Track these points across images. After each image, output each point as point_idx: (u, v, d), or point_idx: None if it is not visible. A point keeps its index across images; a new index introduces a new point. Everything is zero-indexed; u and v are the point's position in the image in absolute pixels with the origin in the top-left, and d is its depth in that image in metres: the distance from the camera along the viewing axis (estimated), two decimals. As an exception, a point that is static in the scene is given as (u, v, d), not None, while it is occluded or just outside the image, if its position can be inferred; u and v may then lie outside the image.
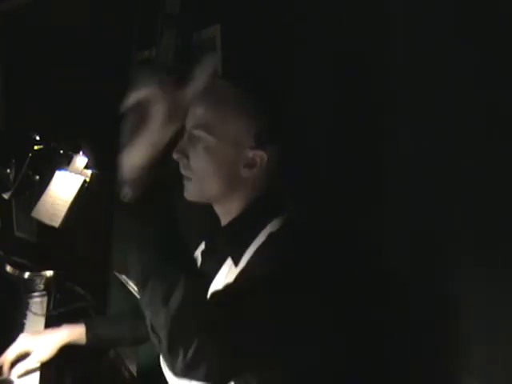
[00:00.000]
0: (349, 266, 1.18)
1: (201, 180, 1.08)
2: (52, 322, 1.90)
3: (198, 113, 1.06)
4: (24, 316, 1.89)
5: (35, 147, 2.29)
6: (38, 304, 2.02)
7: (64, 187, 2.27)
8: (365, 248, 1.24)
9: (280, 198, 1.12)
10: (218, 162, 1.05)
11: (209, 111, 1.05)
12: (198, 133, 1.05)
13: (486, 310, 0.98)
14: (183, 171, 1.11)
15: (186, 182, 1.11)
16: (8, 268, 2.14)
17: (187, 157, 1.08)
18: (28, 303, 1.99)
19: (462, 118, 1.01)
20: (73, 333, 1.48)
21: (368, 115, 1.24)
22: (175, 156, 1.09)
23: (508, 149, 0.93)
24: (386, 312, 1.19)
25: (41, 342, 1.48)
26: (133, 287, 2.43)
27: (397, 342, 1.17)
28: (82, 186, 2.24)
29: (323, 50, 1.34)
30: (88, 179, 2.26)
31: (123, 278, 2.60)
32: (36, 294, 2.10)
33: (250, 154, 1.05)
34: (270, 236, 1.04)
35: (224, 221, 1.15)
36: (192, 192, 1.10)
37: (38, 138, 2.31)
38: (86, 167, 2.29)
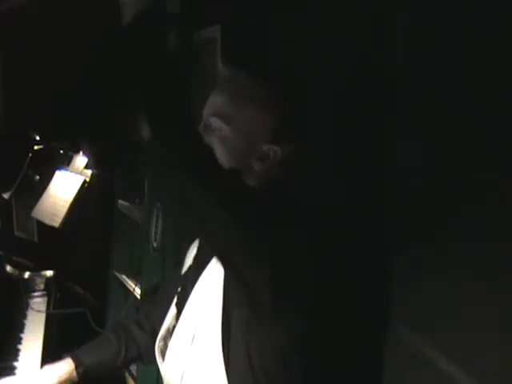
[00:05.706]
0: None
1: None
2: (52, 322, 1.91)
3: (216, 101, 1.07)
4: (24, 316, 1.89)
5: (35, 147, 2.29)
6: (38, 304, 2.02)
7: (64, 187, 2.27)
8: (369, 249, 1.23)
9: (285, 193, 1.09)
10: (231, 152, 1.04)
11: (227, 101, 1.05)
12: (215, 121, 1.05)
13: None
14: None
15: None
16: (8, 268, 2.14)
17: None
18: (28, 303, 1.99)
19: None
20: (61, 373, 1.31)
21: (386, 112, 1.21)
22: None
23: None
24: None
25: None
26: (132, 287, 2.43)
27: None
28: (82, 185, 2.24)
29: (323, 50, 1.34)
30: (88, 179, 2.27)
31: (123, 277, 2.60)
32: (36, 293, 2.11)
33: (265, 147, 1.04)
34: None
35: None
36: None
37: (37, 137, 2.31)
38: (86, 167, 2.29)
